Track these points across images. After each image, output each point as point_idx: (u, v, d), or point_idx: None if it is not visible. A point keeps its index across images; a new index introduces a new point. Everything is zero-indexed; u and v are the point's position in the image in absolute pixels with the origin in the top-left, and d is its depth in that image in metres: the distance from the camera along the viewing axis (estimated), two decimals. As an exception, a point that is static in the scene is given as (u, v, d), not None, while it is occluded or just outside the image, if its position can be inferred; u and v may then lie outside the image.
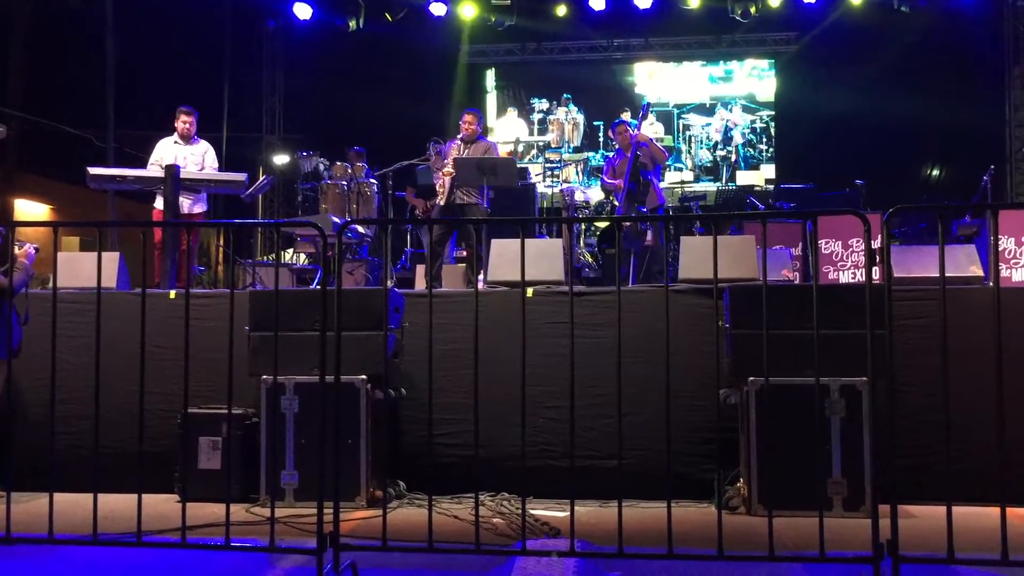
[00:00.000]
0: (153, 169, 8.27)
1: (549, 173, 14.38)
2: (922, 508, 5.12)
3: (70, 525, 4.43)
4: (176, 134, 8.61)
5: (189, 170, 8.16)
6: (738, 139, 15.37)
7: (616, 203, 10.80)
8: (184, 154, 8.48)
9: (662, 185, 10.81)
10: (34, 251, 6.23)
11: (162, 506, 5.21)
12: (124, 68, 12.89)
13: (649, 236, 9.53)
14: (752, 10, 13.60)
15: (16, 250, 6.14)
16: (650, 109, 11.60)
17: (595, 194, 14.73)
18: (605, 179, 10.30)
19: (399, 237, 11.55)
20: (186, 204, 8.17)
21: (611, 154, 11.56)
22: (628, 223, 9.21)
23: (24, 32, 15.65)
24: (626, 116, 14.94)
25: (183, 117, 8.61)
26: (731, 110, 15.48)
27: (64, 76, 14.93)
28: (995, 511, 3.98)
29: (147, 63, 13.77)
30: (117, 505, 4.63)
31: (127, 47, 12.87)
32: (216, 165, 8.74)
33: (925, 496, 5.04)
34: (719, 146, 15.45)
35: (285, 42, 15.28)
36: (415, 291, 7.71)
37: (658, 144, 10.36)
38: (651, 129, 14.28)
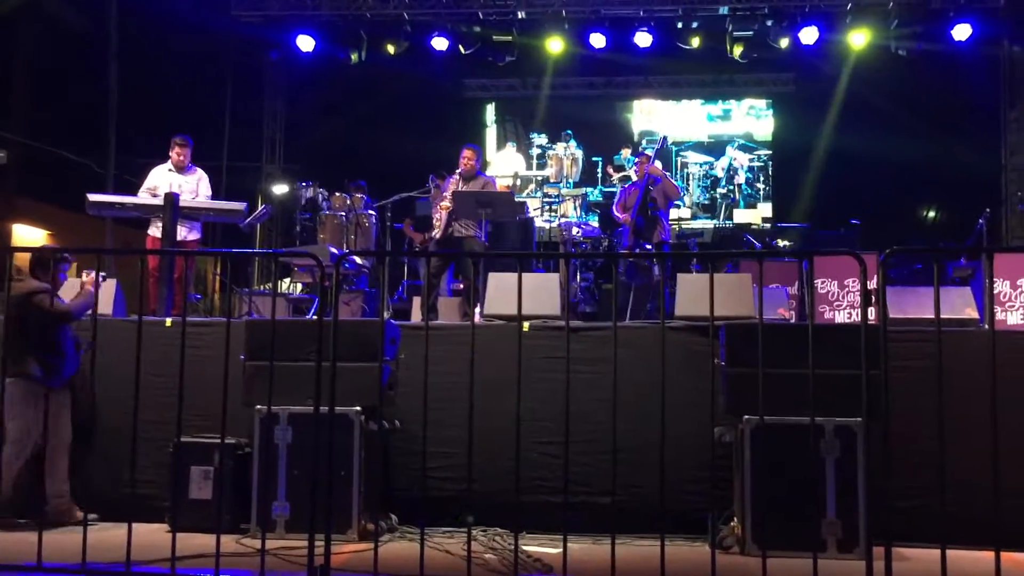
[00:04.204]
0: (147, 196, 8.29)
1: (547, 208, 14.42)
2: (916, 551, 5.08)
3: (59, 554, 4.40)
4: (170, 162, 8.66)
5: (184, 198, 8.20)
6: (741, 178, 15.45)
7: (613, 240, 10.81)
8: (178, 182, 8.51)
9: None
10: (102, 279, 6.01)
11: (152, 536, 5.16)
12: (125, 95, 12.94)
13: (656, 272, 9.45)
14: (751, 51, 13.68)
15: (84, 277, 6.32)
16: (667, 143, 11.42)
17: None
18: (615, 211, 10.21)
19: (396, 269, 11.55)
20: (181, 232, 8.18)
21: (626, 185, 11.52)
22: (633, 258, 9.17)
23: (26, 58, 15.73)
24: (626, 152, 15.02)
25: (177, 148, 8.66)
26: (735, 148, 15.58)
27: (65, 102, 14.97)
28: (990, 555, 3.97)
29: (149, 90, 13.80)
30: (106, 534, 4.60)
31: (129, 74, 12.94)
32: (209, 193, 8.77)
33: (920, 539, 4.99)
34: (720, 184, 15.52)
35: (287, 73, 15.35)
36: (411, 323, 7.71)
37: (672, 180, 10.22)
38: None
